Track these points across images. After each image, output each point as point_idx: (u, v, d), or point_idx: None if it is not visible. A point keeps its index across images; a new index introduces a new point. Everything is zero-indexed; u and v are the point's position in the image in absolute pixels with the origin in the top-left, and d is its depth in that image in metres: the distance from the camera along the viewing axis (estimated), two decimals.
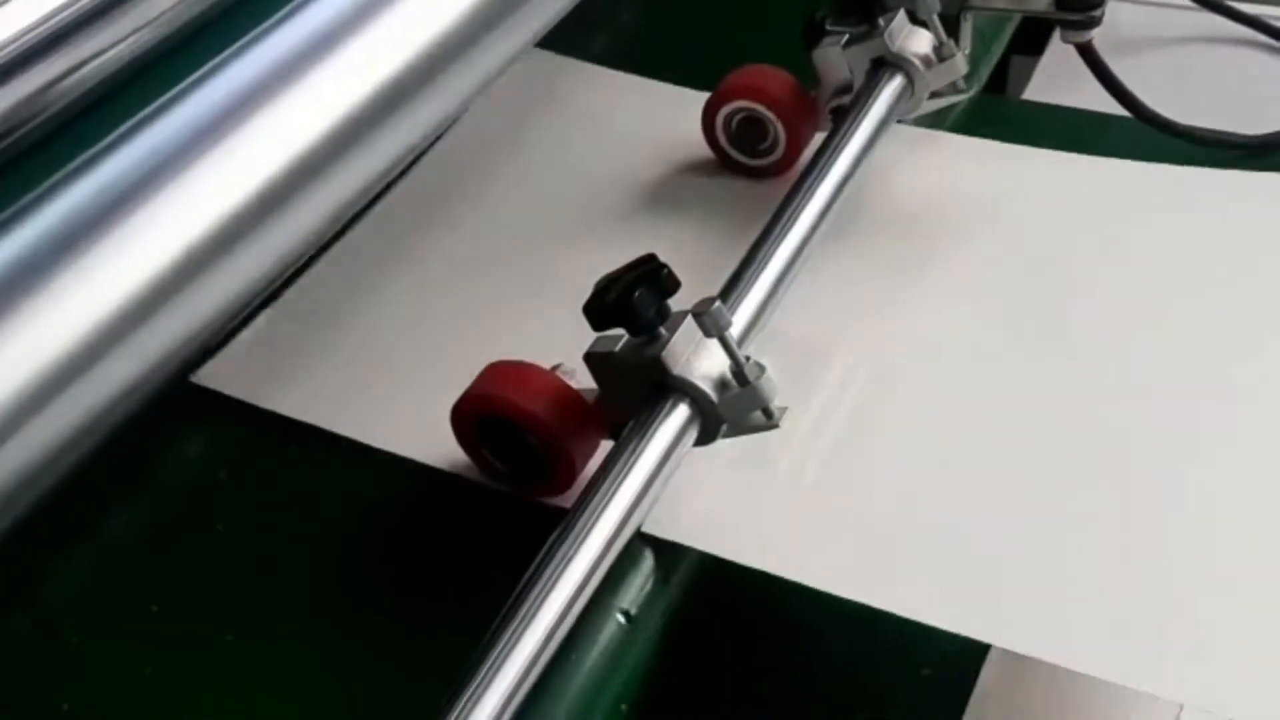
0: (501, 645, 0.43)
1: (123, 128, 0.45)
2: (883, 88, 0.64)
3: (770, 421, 0.49)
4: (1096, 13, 0.67)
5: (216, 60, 0.48)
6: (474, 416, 0.53)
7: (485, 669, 0.42)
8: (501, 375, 0.53)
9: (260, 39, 0.49)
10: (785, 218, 0.60)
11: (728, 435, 0.51)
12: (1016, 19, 0.84)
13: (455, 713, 0.41)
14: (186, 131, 0.46)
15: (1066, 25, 0.69)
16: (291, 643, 0.51)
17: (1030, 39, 0.90)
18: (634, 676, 0.50)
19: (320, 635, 0.51)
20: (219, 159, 0.46)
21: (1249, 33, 0.90)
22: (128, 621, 0.52)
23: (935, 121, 0.75)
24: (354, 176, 0.51)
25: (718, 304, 0.47)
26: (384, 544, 0.55)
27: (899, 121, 0.68)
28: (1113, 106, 0.79)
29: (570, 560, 0.45)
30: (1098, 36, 0.79)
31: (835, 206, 0.61)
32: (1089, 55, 0.77)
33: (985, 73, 0.83)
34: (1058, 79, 0.87)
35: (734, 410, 0.49)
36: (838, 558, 0.52)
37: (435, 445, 0.56)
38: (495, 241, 0.69)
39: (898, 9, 0.65)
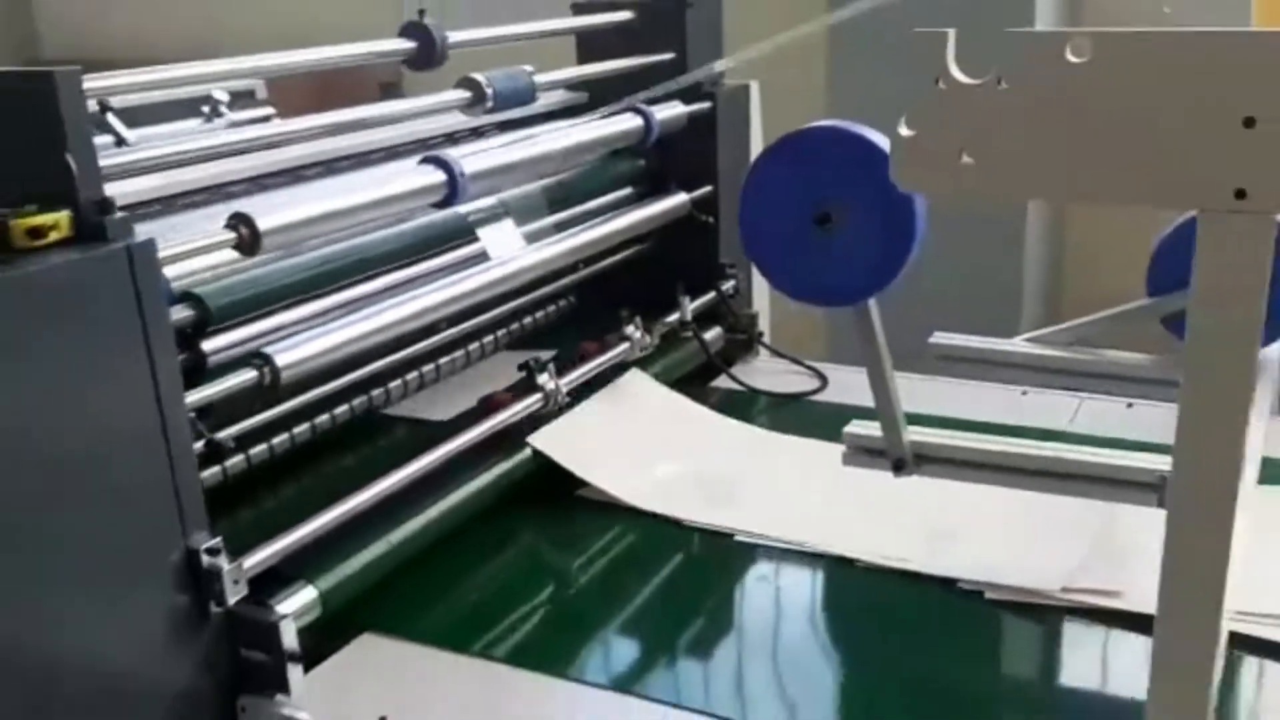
0: None
1: None
2: (623, 343, 1.98)
3: None
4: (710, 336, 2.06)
5: None
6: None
7: None
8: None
9: None
10: None
11: None
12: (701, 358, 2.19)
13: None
14: None
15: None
16: None
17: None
18: None
19: None
20: None
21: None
22: None
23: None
24: None
25: None
26: None
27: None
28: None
29: None
30: (748, 373, 2.15)
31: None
32: (724, 371, 2.12)
33: (688, 369, 2.15)
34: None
35: None
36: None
37: None
38: None
39: (630, 322, 2.00)
